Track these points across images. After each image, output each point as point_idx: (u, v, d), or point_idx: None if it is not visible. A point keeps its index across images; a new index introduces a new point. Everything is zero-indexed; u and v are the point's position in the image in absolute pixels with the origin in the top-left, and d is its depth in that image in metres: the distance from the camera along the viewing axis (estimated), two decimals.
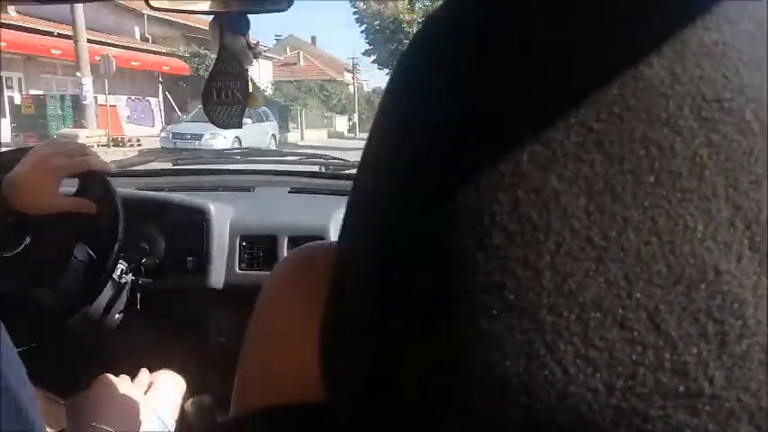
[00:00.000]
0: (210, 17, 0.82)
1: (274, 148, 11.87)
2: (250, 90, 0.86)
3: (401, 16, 28.23)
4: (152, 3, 0.84)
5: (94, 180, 0.97)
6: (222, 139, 12.39)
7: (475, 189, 0.17)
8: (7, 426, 0.47)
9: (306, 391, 0.31)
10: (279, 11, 0.77)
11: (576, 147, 0.17)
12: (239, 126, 0.89)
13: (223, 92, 0.86)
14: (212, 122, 0.89)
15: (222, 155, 1.80)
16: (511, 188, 0.17)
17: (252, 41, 0.84)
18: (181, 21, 18.71)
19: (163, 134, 14.15)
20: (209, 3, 0.80)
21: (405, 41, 28.99)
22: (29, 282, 0.96)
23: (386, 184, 0.20)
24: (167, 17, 17.43)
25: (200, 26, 19.98)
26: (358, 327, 0.21)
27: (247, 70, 0.86)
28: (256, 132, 13.17)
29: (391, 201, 0.20)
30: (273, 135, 13.69)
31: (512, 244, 0.17)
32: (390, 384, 0.20)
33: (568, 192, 0.17)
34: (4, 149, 1.09)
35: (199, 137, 12.83)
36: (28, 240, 0.94)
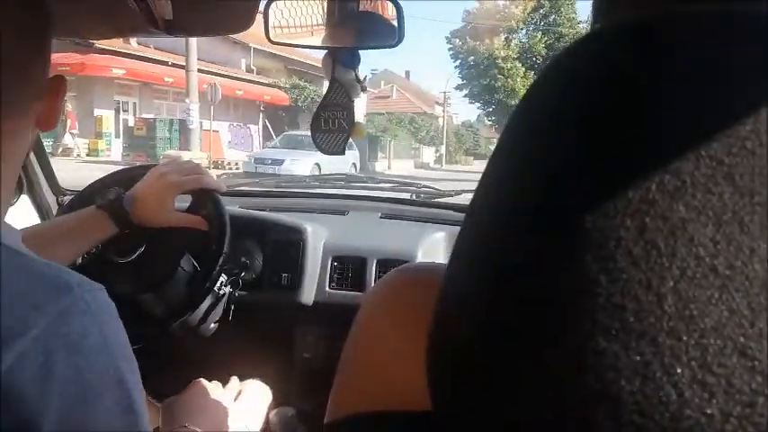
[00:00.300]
0: (324, 52, 0.89)
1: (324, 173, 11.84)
2: (355, 121, 0.91)
3: (496, 52, 28.24)
4: (272, 38, 0.91)
5: (206, 197, 1.04)
6: (302, 165, 12.76)
7: (603, 214, 0.18)
8: (120, 414, 0.51)
9: (400, 400, 0.32)
10: (389, 47, 0.82)
11: (705, 178, 0.18)
12: (342, 153, 0.94)
13: (330, 121, 0.91)
14: (318, 148, 0.94)
15: (320, 179, 1.88)
16: (638, 214, 0.18)
17: (365, 79, 0.90)
18: (283, 54, 19.73)
19: (246, 159, 14.91)
20: (324, 38, 0.86)
21: (498, 76, 28.76)
22: (137, 288, 1.02)
23: (510, 206, 0.21)
24: (271, 50, 18.44)
25: (300, 59, 21.00)
26: (470, 343, 0.22)
27: (353, 102, 0.92)
28: (337, 160, 13.41)
29: (516, 221, 0.21)
30: (354, 164, 13.91)
31: (636, 268, 0.18)
32: (502, 397, 0.20)
33: (696, 221, 0.17)
34: (120, 167, 1.19)
35: (279, 162, 13.32)
36: (141, 250, 1.02)
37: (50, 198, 1.47)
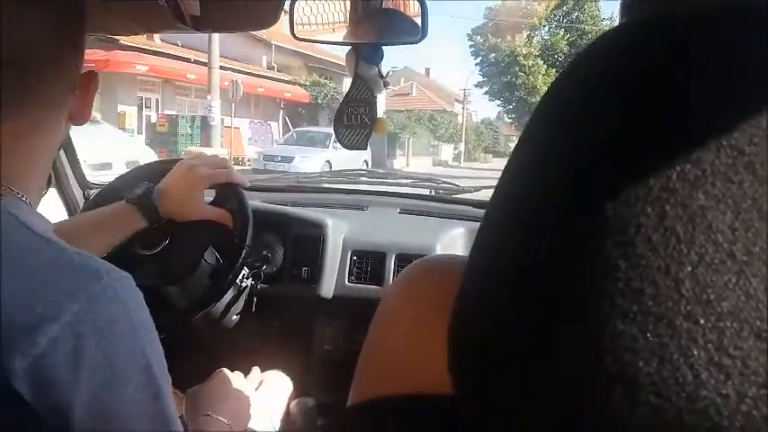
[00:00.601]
0: (348, 48, 0.90)
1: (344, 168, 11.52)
2: (377, 116, 0.92)
3: (518, 50, 28.05)
4: (297, 34, 0.93)
5: (230, 191, 1.05)
6: (313, 162, 12.67)
7: (623, 202, 0.19)
8: (147, 399, 0.52)
9: (421, 383, 0.33)
10: (412, 43, 0.83)
11: (725, 167, 0.18)
12: (364, 148, 0.95)
13: (353, 116, 0.93)
14: (341, 144, 0.95)
15: (340, 175, 1.90)
16: (659, 202, 0.18)
17: (387, 76, 0.91)
18: (304, 51, 19.81)
19: (255, 156, 14.73)
20: (348, 35, 0.87)
21: (519, 74, 28.50)
22: (162, 280, 1.03)
23: (533, 193, 0.22)
24: (292, 47, 18.54)
25: (321, 56, 21.06)
26: (490, 330, 0.22)
27: (376, 98, 0.93)
28: (348, 157, 12.89)
29: (539, 208, 0.21)
30: (366, 161, 13.62)
31: (655, 254, 0.18)
32: (521, 380, 0.21)
33: (715, 208, 0.18)
34: (150, 161, 1.21)
35: (290, 159, 13.18)
36: (166, 243, 1.03)
37: (77, 192, 1.51)
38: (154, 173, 1.07)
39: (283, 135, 19.47)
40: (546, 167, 0.22)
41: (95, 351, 0.47)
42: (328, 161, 13.17)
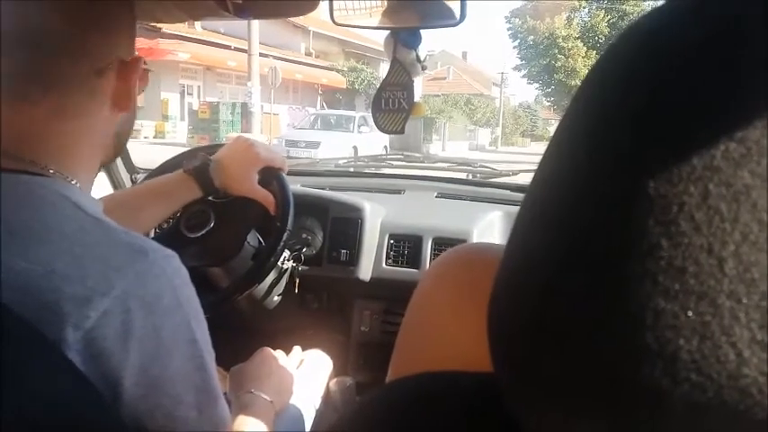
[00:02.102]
0: (387, 32, 0.90)
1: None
2: (415, 100, 0.92)
3: (557, 31, 27.39)
4: (336, 20, 0.93)
5: (272, 175, 1.07)
6: (340, 149, 11.69)
7: (667, 180, 0.19)
8: (192, 370, 0.55)
9: (458, 360, 0.34)
10: (451, 26, 0.82)
11: None
12: (402, 132, 0.95)
13: (391, 100, 0.93)
14: (378, 128, 0.96)
15: (377, 159, 1.91)
16: (702, 181, 0.18)
17: (423, 59, 0.91)
18: (341, 37, 19.82)
19: (275, 141, 13.37)
20: (387, 19, 0.87)
21: (558, 56, 27.73)
22: (206, 261, 1.06)
23: (575, 171, 0.22)
24: (330, 33, 18.56)
25: (358, 42, 21.02)
26: (534, 316, 0.22)
27: (413, 82, 0.93)
28: (372, 141, 12.67)
29: (586, 196, 0.21)
30: (385, 146, 12.80)
31: (698, 233, 0.18)
32: (566, 368, 0.21)
33: (760, 187, 0.18)
34: (186, 149, 1.23)
35: (315, 145, 12.22)
36: (210, 225, 1.06)
37: (125, 175, 1.56)
38: (201, 156, 1.10)
39: None
40: (588, 147, 0.22)
41: (143, 324, 0.50)
42: (355, 147, 12.55)
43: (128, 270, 0.50)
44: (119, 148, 0.67)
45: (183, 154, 1.19)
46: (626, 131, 0.20)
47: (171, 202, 0.99)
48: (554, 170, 0.24)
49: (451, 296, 0.38)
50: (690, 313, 0.18)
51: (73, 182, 0.57)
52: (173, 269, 0.54)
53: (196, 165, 1.00)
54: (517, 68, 31.06)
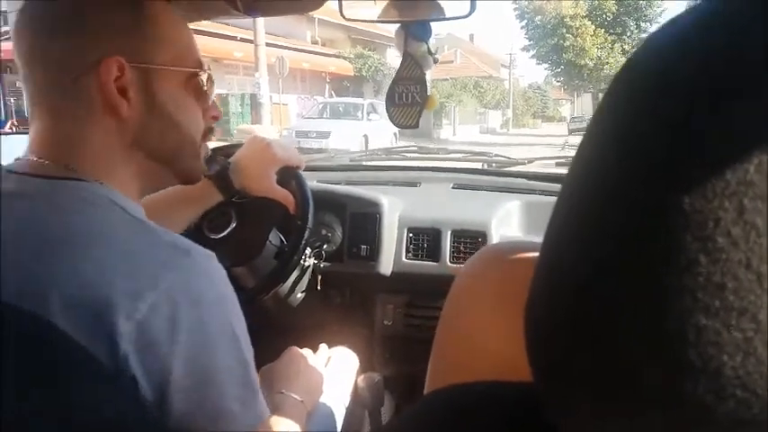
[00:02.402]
0: (397, 26, 0.89)
1: (395, 145, 11.08)
2: (428, 93, 0.91)
3: (564, 11, 27.04)
4: (345, 14, 0.93)
5: (290, 174, 1.07)
6: (351, 138, 11.82)
7: (701, 195, 0.18)
8: (235, 364, 0.56)
9: (499, 370, 0.34)
10: (461, 17, 0.81)
11: None
12: (416, 126, 0.94)
13: (404, 95, 0.92)
14: (392, 122, 0.95)
15: (391, 152, 1.90)
16: (736, 195, 0.18)
17: (432, 47, 0.90)
18: (346, 24, 19.71)
19: (285, 133, 13.25)
20: (397, 12, 0.86)
21: (566, 36, 27.36)
22: (230, 261, 1.04)
23: (611, 184, 0.21)
24: (335, 21, 18.43)
25: (364, 28, 20.90)
26: (569, 317, 0.22)
27: (426, 75, 0.92)
28: (382, 129, 12.57)
29: (618, 200, 0.21)
30: (395, 133, 12.77)
31: (735, 248, 0.18)
32: (599, 371, 0.21)
33: None
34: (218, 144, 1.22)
35: (326, 135, 12.07)
36: (233, 225, 1.07)
37: None
38: (213, 158, 1.10)
39: None
40: (619, 152, 0.21)
41: (189, 317, 0.52)
42: (365, 135, 12.52)
43: (173, 266, 0.53)
44: (161, 157, 0.66)
45: None
46: (658, 141, 0.20)
47: (193, 208, 1.00)
48: (585, 170, 0.23)
49: (490, 298, 0.38)
50: (732, 329, 0.18)
51: (103, 184, 0.60)
52: (214, 268, 0.57)
53: (216, 169, 1.00)
54: (525, 49, 30.73)
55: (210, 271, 0.56)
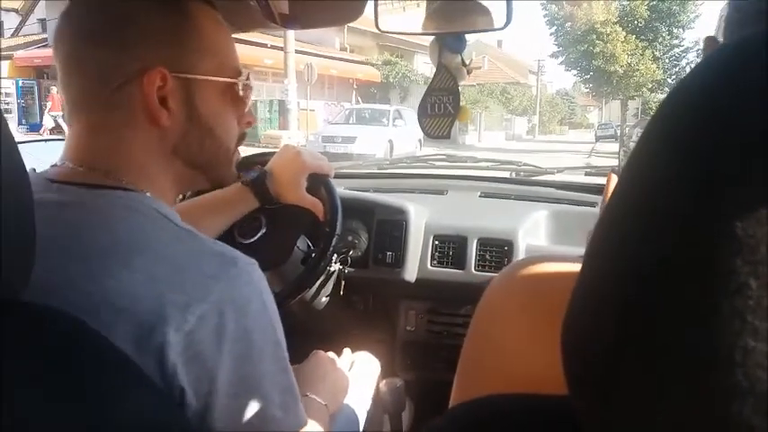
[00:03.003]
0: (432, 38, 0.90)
1: (420, 151, 11.05)
2: (461, 104, 0.92)
3: (595, 17, 26.70)
4: (381, 26, 0.94)
5: (320, 181, 1.09)
6: (376, 143, 11.93)
7: (755, 220, 0.19)
8: (278, 372, 0.58)
9: (526, 382, 0.34)
10: (497, 29, 0.82)
11: None
12: (448, 137, 0.95)
13: (437, 105, 0.93)
14: (424, 132, 0.96)
15: (420, 160, 1.90)
16: None
17: (466, 59, 0.91)
18: (375, 31, 19.74)
19: (311, 138, 13.40)
20: (432, 24, 0.87)
21: (597, 42, 26.94)
22: (259, 266, 1.09)
23: (662, 203, 0.22)
24: (364, 27, 18.50)
25: (392, 35, 20.89)
26: (613, 332, 0.22)
27: (459, 86, 0.93)
28: (407, 135, 12.77)
29: (668, 219, 0.21)
30: (420, 140, 12.86)
31: None
32: (641, 389, 0.21)
33: None
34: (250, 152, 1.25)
35: (351, 140, 12.20)
36: (263, 231, 1.09)
37: None
38: (248, 166, 1.12)
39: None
40: (674, 176, 0.22)
41: (236, 327, 0.53)
42: (390, 140, 12.60)
43: (221, 277, 0.54)
44: (197, 164, 0.67)
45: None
46: (712, 162, 0.20)
47: (231, 214, 1.02)
48: (635, 186, 0.24)
49: (519, 312, 0.38)
50: None
51: (148, 194, 0.61)
52: (258, 276, 0.58)
53: (253, 177, 1.03)
54: (554, 55, 30.39)
55: (255, 279, 0.57)
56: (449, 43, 0.88)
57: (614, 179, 0.54)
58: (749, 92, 0.20)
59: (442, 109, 0.94)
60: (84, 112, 0.61)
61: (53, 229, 0.51)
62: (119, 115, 0.60)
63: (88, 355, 0.46)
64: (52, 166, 0.62)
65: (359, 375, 1.12)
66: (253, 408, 0.55)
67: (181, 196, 1.57)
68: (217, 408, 0.53)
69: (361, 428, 1.05)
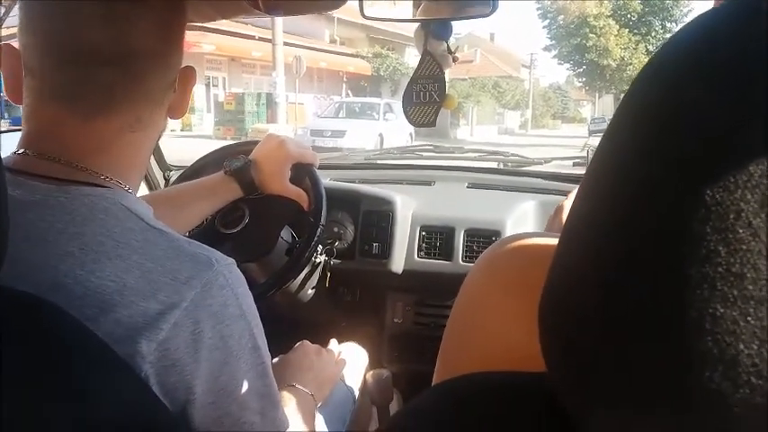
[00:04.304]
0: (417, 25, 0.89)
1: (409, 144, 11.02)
2: (448, 91, 0.91)
3: (588, 10, 26.78)
4: (366, 13, 0.92)
5: (304, 171, 1.08)
6: (366, 137, 11.89)
7: (723, 187, 0.19)
8: (256, 377, 0.56)
9: (510, 359, 0.34)
10: (483, 16, 0.81)
11: None
12: (433, 125, 0.94)
13: (422, 93, 0.92)
14: (409, 121, 0.95)
15: (406, 151, 1.90)
16: (759, 188, 0.18)
17: (452, 46, 0.89)
18: (365, 23, 19.70)
19: (300, 131, 13.16)
20: (418, 11, 0.86)
21: (590, 35, 27.12)
22: (242, 257, 1.03)
23: (632, 175, 0.22)
24: (354, 20, 18.44)
25: (383, 27, 20.89)
26: (584, 306, 0.23)
27: (445, 74, 0.92)
28: (398, 128, 12.69)
29: (642, 196, 0.21)
30: (411, 133, 12.78)
31: (755, 239, 0.18)
32: (618, 363, 0.21)
33: None
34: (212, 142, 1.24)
35: (341, 134, 12.14)
36: (246, 221, 1.07)
37: (158, 173, 1.58)
38: (232, 155, 1.11)
39: None
40: (641, 147, 0.22)
41: (212, 333, 0.51)
42: (380, 134, 12.56)
43: (195, 282, 0.51)
44: None
45: (215, 152, 1.20)
46: (681, 135, 0.20)
47: (213, 202, 1.01)
48: (608, 165, 0.24)
49: (502, 290, 0.38)
50: (749, 318, 0.18)
51: (128, 189, 0.58)
52: (234, 278, 0.55)
53: (237, 166, 1.02)
54: (547, 49, 30.54)
55: (232, 281, 0.55)
56: (434, 30, 0.87)
57: None
58: (721, 62, 0.20)
59: (427, 97, 0.92)
60: (89, 103, 0.57)
61: (13, 232, 0.46)
62: (153, 111, 0.60)
63: (66, 347, 0.43)
64: (15, 153, 0.57)
65: (345, 366, 1.12)
66: (230, 415, 0.54)
67: (164, 181, 1.57)
68: (193, 416, 0.51)
69: (347, 419, 1.05)
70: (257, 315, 0.58)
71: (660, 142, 0.21)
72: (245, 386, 0.55)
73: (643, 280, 0.20)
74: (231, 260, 0.56)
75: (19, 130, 0.59)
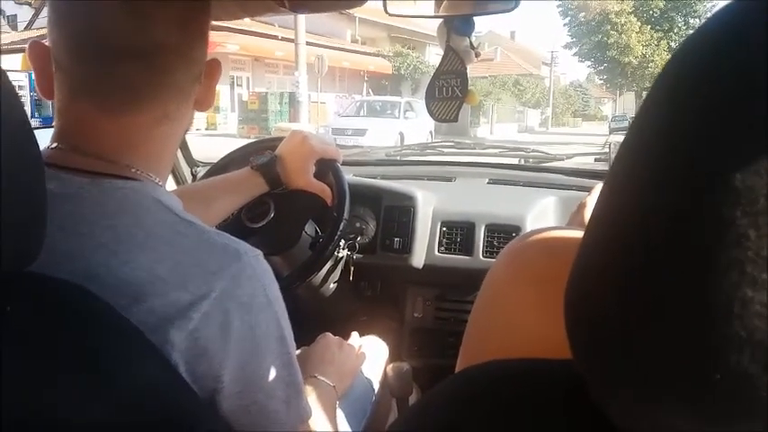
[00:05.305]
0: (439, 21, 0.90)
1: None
2: (469, 87, 0.92)
3: (609, 7, 26.40)
4: (389, 10, 0.94)
5: (328, 167, 1.10)
6: (387, 135, 11.80)
7: (755, 172, 0.19)
8: (281, 367, 0.57)
9: (531, 347, 0.34)
10: (506, 11, 0.81)
11: None
12: (455, 120, 0.95)
13: (445, 89, 0.93)
14: (431, 116, 0.96)
15: (427, 147, 1.91)
16: None
17: (474, 42, 0.90)
18: (387, 22, 19.68)
19: (322, 130, 13.16)
20: (440, 7, 0.87)
21: (611, 32, 26.67)
22: (267, 250, 1.10)
23: (661, 161, 0.22)
24: (375, 19, 18.47)
25: (403, 26, 20.86)
26: (610, 293, 0.23)
27: (467, 69, 0.92)
28: (418, 127, 12.79)
29: (668, 181, 0.21)
30: (431, 132, 12.95)
31: None
32: (645, 350, 0.22)
33: None
34: (236, 140, 1.26)
35: (362, 132, 12.15)
36: (272, 215, 1.09)
37: (186, 169, 1.62)
38: (258, 151, 1.13)
39: None
40: (673, 139, 0.22)
41: (240, 323, 0.52)
42: (401, 133, 12.54)
43: (224, 273, 0.52)
44: None
45: (241, 149, 1.23)
46: (711, 120, 0.20)
47: (240, 196, 1.03)
48: (635, 155, 0.24)
49: (526, 282, 0.38)
50: None
51: (159, 182, 0.60)
52: (262, 269, 0.56)
53: (263, 161, 1.04)
54: (568, 46, 30.19)
55: (260, 272, 0.56)
56: (457, 26, 0.88)
57: None
58: (752, 47, 0.21)
59: (449, 92, 0.93)
60: (122, 99, 0.58)
61: (49, 223, 0.46)
62: (180, 104, 0.61)
63: (101, 333, 0.44)
64: (50, 147, 0.58)
65: (366, 359, 1.13)
66: (256, 403, 0.55)
67: (191, 177, 1.60)
68: (221, 404, 0.53)
69: (368, 411, 1.06)
70: (284, 305, 0.59)
71: (688, 128, 0.21)
72: (272, 375, 0.56)
73: (670, 265, 0.20)
74: (258, 251, 0.57)
75: (51, 126, 0.60)
